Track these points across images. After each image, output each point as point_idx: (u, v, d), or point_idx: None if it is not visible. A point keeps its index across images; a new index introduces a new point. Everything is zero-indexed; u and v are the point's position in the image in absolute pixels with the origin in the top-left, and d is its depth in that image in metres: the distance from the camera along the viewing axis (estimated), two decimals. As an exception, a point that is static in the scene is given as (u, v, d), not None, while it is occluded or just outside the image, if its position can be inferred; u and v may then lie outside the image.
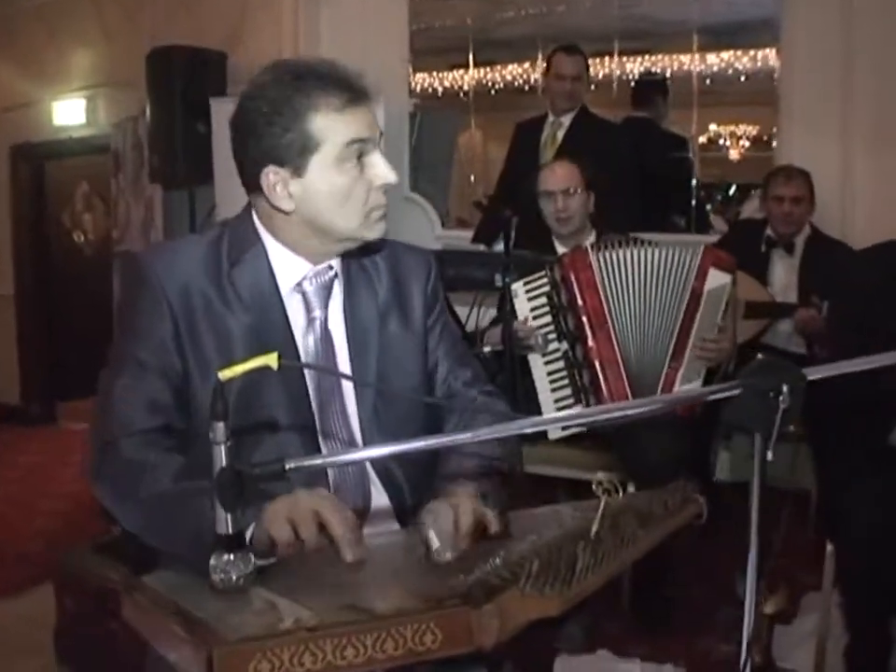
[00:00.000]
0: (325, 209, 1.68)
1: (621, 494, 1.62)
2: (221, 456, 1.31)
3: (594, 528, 1.55)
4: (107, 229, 7.09)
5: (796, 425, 4.11)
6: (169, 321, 1.68)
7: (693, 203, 5.15)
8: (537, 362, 3.41)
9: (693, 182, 5.16)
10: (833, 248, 4.20)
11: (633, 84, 5.45)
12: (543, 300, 3.41)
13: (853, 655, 2.72)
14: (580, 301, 3.32)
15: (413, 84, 5.87)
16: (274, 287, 1.74)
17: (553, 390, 3.41)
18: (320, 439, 1.73)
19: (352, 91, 1.66)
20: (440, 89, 6.03)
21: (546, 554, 1.41)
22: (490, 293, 3.39)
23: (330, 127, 1.64)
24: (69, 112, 7.16)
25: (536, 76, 5.55)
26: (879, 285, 2.77)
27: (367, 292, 1.83)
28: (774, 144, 5.01)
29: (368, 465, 1.76)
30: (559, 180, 3.63)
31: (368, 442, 1.76)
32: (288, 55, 5.72)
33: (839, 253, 4.13)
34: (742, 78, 5.47)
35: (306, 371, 1.74)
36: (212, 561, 1.34)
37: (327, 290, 1.78)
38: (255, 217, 1.77)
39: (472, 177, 6.15)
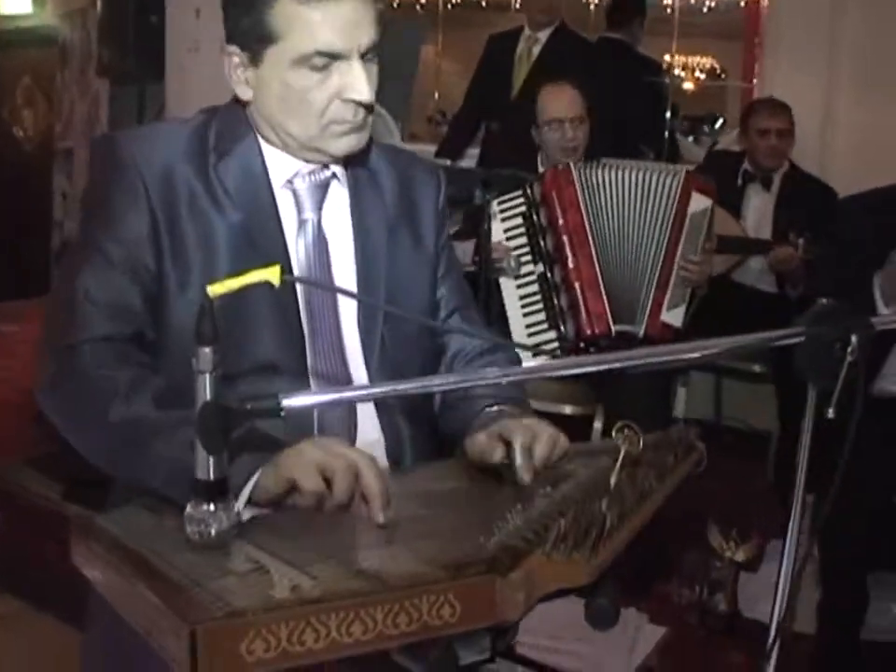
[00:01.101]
0: (277, 109, 1.48)
1: (641, 444, 1.44)
2: (206, 388, 1.10)
3: (612, 479, 1.39)
4: (49, 125, 6.71)
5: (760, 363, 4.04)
6: (146, 213, 1.46)
7: (666, 132, 4.96)
8: (508, 286, 3.26)
9: (668, 110, 4.96)
10: (811, 186, 4.07)
11: (609, 3, 5.24)
12: (518, 220, 3.25)
13: (827, 611, 2.63)
14: (560, 220, 3.18)
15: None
16: (266, 182, 1.53)
17: (526, 315, 3.26)
18: (309, 367, 1.53)
19: None
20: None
21: (570, 512, 1.24)
22: (459, 210, 3.18)
23: (293, 21, 1.41)
24: (15, 1, 6.78)
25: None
26: (872, 236, 2.64)
27: (374, 199, 1.62)
28: (724, 77, 4.86)
29: None
30: (569, 107, 3.44)
31: (371, 375, 1.56)
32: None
33: (818, 191, 3.99)
34: (705, 10, 5.34)
35: (296, 265, 1.53)
36: (188, 510, 1.14)
37: (321, 191, 1.57)
38: (247, 107, 1.55)
39: (437, 94, 5.91)
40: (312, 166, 1.55)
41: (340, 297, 1.56)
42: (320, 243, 1.55)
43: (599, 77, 4.47)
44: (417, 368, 1.60)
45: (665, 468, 1.57)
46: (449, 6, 5.64)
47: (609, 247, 3.18)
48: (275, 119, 1.49)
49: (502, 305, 3.22)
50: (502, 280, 3.24)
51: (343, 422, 1.54)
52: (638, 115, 4.91)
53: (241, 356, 1.47)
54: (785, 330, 1.23)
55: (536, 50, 4.55)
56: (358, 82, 1.44)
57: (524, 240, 3.24)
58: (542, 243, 3.21)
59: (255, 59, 1.45)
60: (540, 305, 3.23)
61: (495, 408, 1.54)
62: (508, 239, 3.25)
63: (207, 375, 1.10)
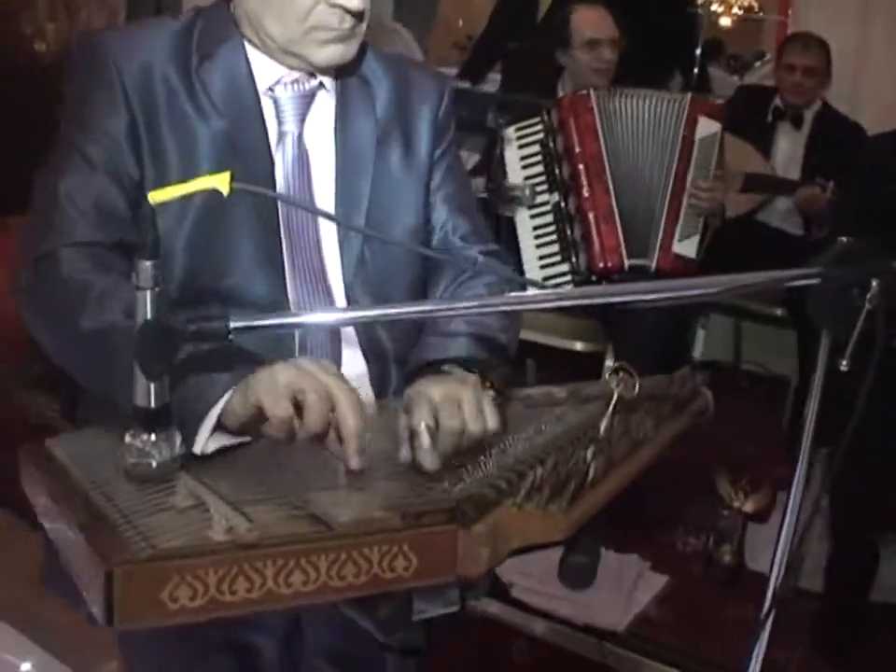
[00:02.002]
0: (260, 8, 1.38)
1: (637, 387, 1.33)
2: (146, 306, 0.99)
3: (602, 425, 1.28)
4: (68, 38, 6.55)
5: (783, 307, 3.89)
6: (125, 114, 1.35)
7: (698, 62, 4.76)
8: (522, 215, 3.12)
9: (699, 40, 4.76)
10: (844, 127, 3.88)
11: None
12: (536, 147, 3.10)
13: (835, 569, 2.52)
14: (577, 148, 3.04)
15: None
16: (252, 88, 1.42)
17: (539, 246, 3.13)
18: (288, 286, 1.41)
19: None
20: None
21: (550, 459, 1.13)
22: (476, 135, 3.05)
23: None
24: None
25: None
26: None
27: (363, 109, 1.49)
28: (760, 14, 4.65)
29: None
30: (608, 28, 3.24)
31: (350, 296, 1.44)
32: None
33: (850, 133, 3.80)
34: None
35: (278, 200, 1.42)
36: (127, 439, 1.03)
37: (306, 101, 1.45)
38: (231, 5, 1.44)
39: (461, 21, 5.72)
40: (296, 74, 1.43)
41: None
42: (300, 157, 1.44)
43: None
44: (404, 291, 1.48)
45: (664, 415, 1.46)
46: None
47: (625, 177, 3.04)
48: (256, 18, 1.38)
49: (513, 235, 3.08)
50: (517, 210, 3.11)
51: (325, 351, 1.43)
52: (671, 43, 4.71)
53: (217, 272, 1.37)
54: (799, 270, 1.10)
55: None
56: None
57: (540, 168, 3.10)
58: (559, 170, 3.07)
59: None
60: (554, 237, 3.10)
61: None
62: (524, 167, 3.11)
63: (148, 292, 0.99)
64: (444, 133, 1.57)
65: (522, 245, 3.12)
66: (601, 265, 3.02)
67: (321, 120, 1.46)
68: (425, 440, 1.12)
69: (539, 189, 3.09)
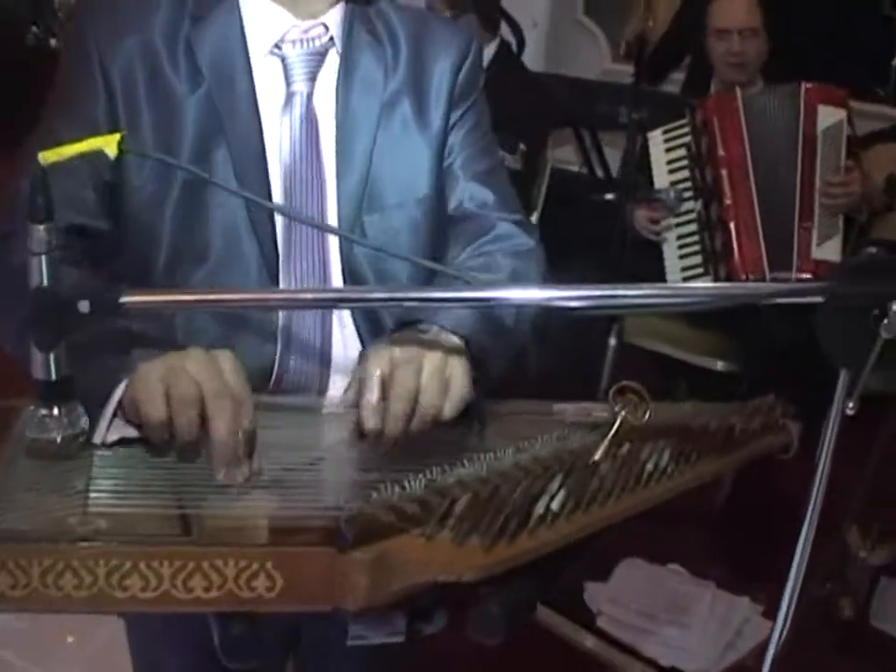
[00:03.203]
0: None
1: (647, 413, 1.16)
2: (40, 272, 0.92)
3: (597, 455, 1.12)
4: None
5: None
6: (103, 96, 1.30)
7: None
8: (667, 223, 2.94)
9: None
10: None
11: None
12: (682, 151, 2.93)
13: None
14: (721, 151, 2.85)
15: None
16: (242, 48, 1.32)
17: (682, 256, 2.96)
18: (281, 259, 1.32)
19: None
20: None
21: (491, 485, 0.98)
22: (611, 131, 2.88)
23: None
24: None
25: None
26: None
27: (373, 68, 1.38)
28: None
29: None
30: (738, 16, 3.02)
31: (346, 269, 1.34)
32: None
33: None
34: None
35: (273, 165, 1.32)
36: (28, 412, 0.96)
37: (317, 59, 1.35)
38: None
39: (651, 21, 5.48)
40: (307, 24, 1.33)
41: (327, 178, 1.34)
42: (308, 119, 1.33)
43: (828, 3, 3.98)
44: (408, 266, 1.36)
45: (704, 446, 1.27)
46: None
47: (764, 182, 2.83)
48: None
49: (648, 245, 2.90)
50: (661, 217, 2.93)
51: (312, 333, 1.33)
52: (868, 50, 4.36)
53: (203, 236, 1.29)
54: (803, 285, 0.92)
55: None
56: None
57: (686, 173, 2.93)
58: (701, 176, 2.88)
59: None
60: (698, 247, 2.91)
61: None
62: (671, 172, 2.94)
63: (43, 257, 0.92)
64: (467, 95, 1.43)
65: (666, 254, 2.96)
66: (743, 277, 2.81)
67: (330, 83, 1.36)
68: (372, 394, 1.03)
69: (685, 195, 2.90)
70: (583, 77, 4.03)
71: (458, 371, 1.11)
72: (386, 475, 0.97)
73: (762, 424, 1.41)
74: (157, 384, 0.98)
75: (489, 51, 3.35)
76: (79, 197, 1.28)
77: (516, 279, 1.33)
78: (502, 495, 0.97)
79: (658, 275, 2.91)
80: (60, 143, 1.23)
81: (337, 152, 1.34)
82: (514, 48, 3.74)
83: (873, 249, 0.94)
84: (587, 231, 2.94)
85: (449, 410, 1.07)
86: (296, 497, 0.93)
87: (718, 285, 0.90)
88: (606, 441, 1.13)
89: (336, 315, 1.34)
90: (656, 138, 2.92)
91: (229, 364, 1.01)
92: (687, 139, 2.89)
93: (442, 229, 1.41)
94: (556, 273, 3.44)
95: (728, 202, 2.82)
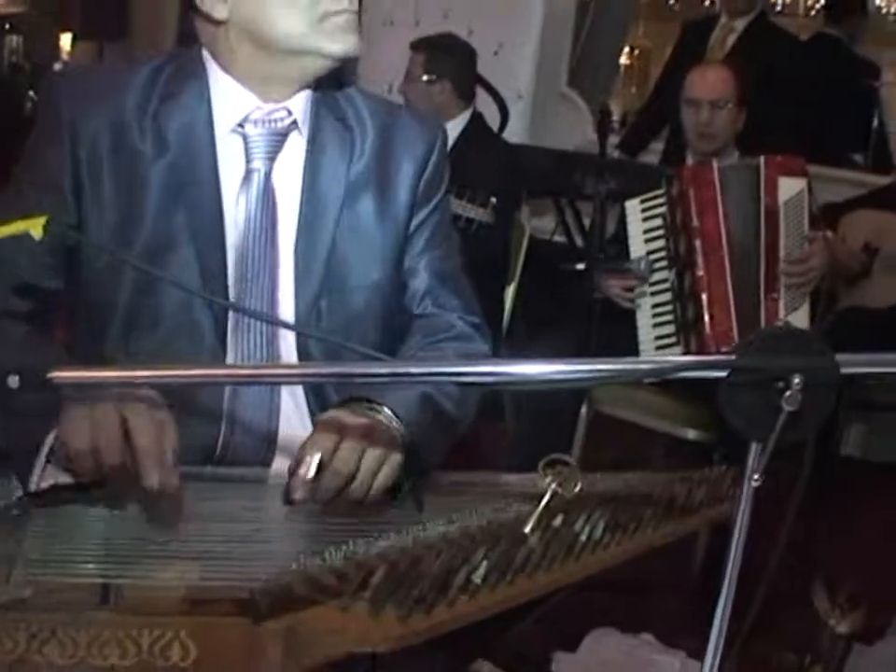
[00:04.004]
0: (260, 8, 1.32)
1: (578, 485, 1.18)
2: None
3: (527, 526, 1.14)
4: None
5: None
6: (68, 164, 1.35)
7: (874, 138, 4.48)
8: (642, 291, 2.95)
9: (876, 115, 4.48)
10: None
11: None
12: (659, 221, 2.94)
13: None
14: (695, 223, 2.85)
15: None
16: (208, 124, 1.38)
17: (656, 325, 2.95)
18: (229, 334, 1.37)
19: None
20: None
21: (411, 556, 1.00)
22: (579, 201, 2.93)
23: None
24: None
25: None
26: None
27: (339, 152, 1.43)
28: None
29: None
30: (709, 88, 3.07)
31: (302, 349, 1.39)
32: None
33: None
34: None
35: (230, 238, 1.37)
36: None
37: (277, 139, 1.40)
38: (203, 46, 1.41)
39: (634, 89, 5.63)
40: (269, 106, 1.39)
41: (281, 259, 1.39)
42: (266, 197, 1.39)
43: (799, 72, 4.07)
44: (367, 336, 1.41)
45: (635, 519, 1.29)
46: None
47: (738, 254, 2.83)
48: (260, 25, 1.33)
49: (613, 308, 2.92)
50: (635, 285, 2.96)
51: (259, 407, 1.36)
52: (846, 119, 4.45)
53: (158, 303, 1.35)
54: (707, 358, 0.94)
55: (731, 40, 4.18)
56: None
57: (662, 242, 2.93)
58: (675, 246, 2.89)
59: None
60: (671, 317, 2.92)
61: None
62: (646, 241, 2.95)
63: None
64: (432, 194, 1.48)
65: (639, 323, 2.96)
66: (713, 349, 2.81)
67: (292, 161, 1.41)
68: (306, 470, 1.10)
69: (658, 265, 2.92)
70: (561, 149, 4.11)
71: (395, 461, 1.17)
72: (310, 547, 1.00)
73: (709, 493, 1.43)
74: (82, 417, 1.05)
75: (462, 121, 3.42)
76: (38, 261, 1.34)
77: None
78: (422, 566, 1.00)
79: (633, 343, 2.93)
80: (19, 202, 1.33)
81: (299, 233, 1.39)
82: (493, 118, 3.82)
83: (780, 322, 0.95)
84: (563, 300, 2.97)
85: (375, 495, 1.11)
86: (219, 567, 0.96)
87: (623, 360, 0.91)
88: (536, 513, 1.15)
89: (287, 390, 1.38)
90: (633, 207, 2.94)
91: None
92: (663, 209, 2.91)
93: (397, 318, 1.46)
94: (535, 341, 3.48)
95: (700, 273, 2.83)
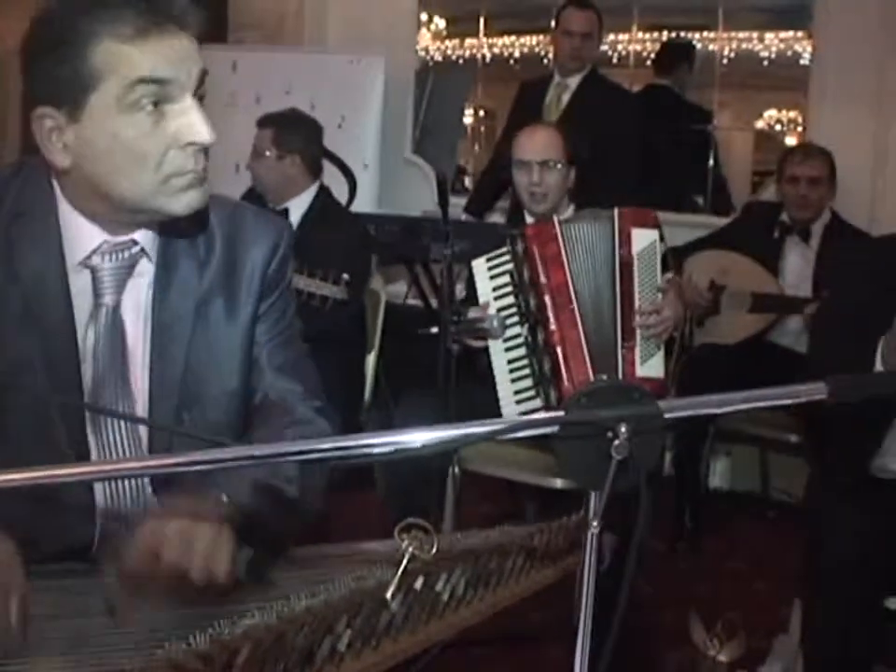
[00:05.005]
0: (104, 169, 1.30)
1: (434, 547, 1.20)
2: None
3: (388, 591, 1.16)
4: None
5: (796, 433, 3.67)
6: None
7: (711, 181, 4.69)
8: (497, 348, 3.00)
9: (712, 159, 4.70)
10: (855, 238, 3.72)
11: (658, 49, 5.05)
12: (506, 278, 2.99)
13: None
14: (542, 279, 2.90)
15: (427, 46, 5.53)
16: (59, 258, 1.37)
17: (514, 380, 2.99)
18: (91, 438, 1.37)
19: (155, 15, 1.26)
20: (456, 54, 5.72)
21: (275, 632, 1.01)
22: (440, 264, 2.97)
23: (115, 59, 1.26)
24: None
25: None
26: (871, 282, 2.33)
27: (187, 270, 1.44)
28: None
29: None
30: (537, 149, 3.17)
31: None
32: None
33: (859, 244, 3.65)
34: (765, 63, 5.17)
35: (85, 369, 1.38)
36: None
37: (125, 271, 1.40)
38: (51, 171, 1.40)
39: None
40: (115, 240, 1.38)
41: (138, 385, 1.41)
42: (113, 330, 1.39)
43: (633, 124, 4.24)
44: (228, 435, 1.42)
45: (496, 573, 1.33)
46: (508, 61, 5.49)
47: (587, 306, 2.90)
48: (102, 183, 1.31)
49: (470, 370, 2.97)
50: (490, 343, 3.00)
51: (134, 499, 1.38)
52: (685, 163, 4.65)
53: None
54: (540, 417, 0.99)
55: (565, 98, 4.28)
56: (196, 122, 1.30)
57: (511, 299, 2.99)
58: (525, 303, 2.95)
59: (74, 113, 1.29)
60: (528, 371, 2.97)
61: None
62: (496, 298, 3.01)
63: None
64: (275, 286, 1.51)
65: (497, 378, 2.99)
66: None
67: (141, 289, 1.42)
68: (135, 564, 1.12)
69: (511, 321, 2.98)
70: (407, 215, 4.17)
71: (227, 542, 1.17)
72: (175, 632, 1.00)
73: (568, 542, 1.48)
74: None
75: (310, 195, 3.46)
76: None
77: None
78: (286, 641, 1.00)
79: (494, 400, 2.98)
80: None
81: (153, 355, 1.40)
82: (340, 189, 3.88)
83: (604, 377, 1.01)
84: (422, 364, 3.01)
85: (221, 577, 1.12)
86: (84, 661, 0.95)
87: (457, 425, 0.94)
88: (395, 579, 1.17)
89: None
90: (480, 266, 2.99)
91: None
92: (510, 266, 2.96)
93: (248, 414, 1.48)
94: (400, 406, 3.47)
95: (553, 327, 2.88)
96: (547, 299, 2.89)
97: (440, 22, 5.91)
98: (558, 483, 3.03)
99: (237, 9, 5.42)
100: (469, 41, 5.84)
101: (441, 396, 2.79)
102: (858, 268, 2.49)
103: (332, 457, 0.95)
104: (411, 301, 3.91)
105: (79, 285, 1.38)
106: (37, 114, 1.30)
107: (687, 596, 3.19)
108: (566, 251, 2.89)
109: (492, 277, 3.01)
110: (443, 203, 2.60)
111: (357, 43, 5.11)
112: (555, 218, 2.96)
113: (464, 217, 4.53)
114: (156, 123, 1.28)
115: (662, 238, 2.93)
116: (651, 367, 2.85)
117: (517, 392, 2.98)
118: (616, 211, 2.90)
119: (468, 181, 5.81)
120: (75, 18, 1.26)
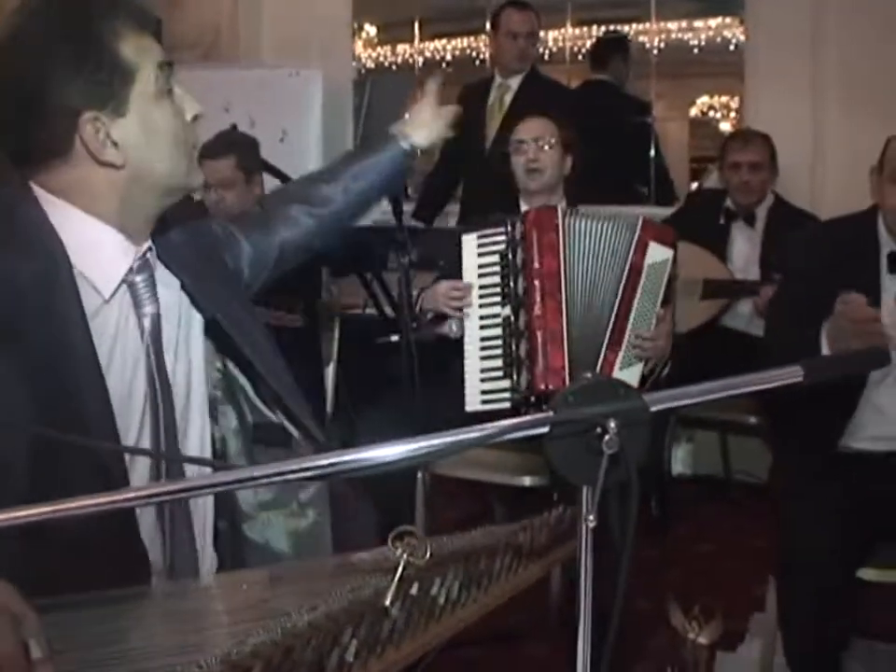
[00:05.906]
0: (155, 156, 1.40)
1: (428, 553, 1.21)
2: None
3: (387, 599, 1.16)
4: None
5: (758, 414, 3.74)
6: None
7: (654, 171, 4.76)
8: (472, 324, 3.01)
9: (653, 149, 4.76)
10: (799, 219, 3.80)
11: (592, 44, 5.10)
12: (495, 258, 2.99)
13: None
14: (535, 263, 2.89)
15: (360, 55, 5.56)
16: (78, 309, 1.34)
17: (483, 358, 2.98)
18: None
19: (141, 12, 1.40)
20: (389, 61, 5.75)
21: (283, 648, 1.02)
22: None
23: (140, 49, 1.37)
24: None
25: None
26: (823, 265, 2.38)
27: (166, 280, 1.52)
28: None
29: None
30: (532, 129, 3.28)
31: None
32: (227, 14, 5.37)
33: (805, 224, 3.72)
34: (695, 51, 5.24)
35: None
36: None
37: (152, 275, 1.46)
38: (41, 197, 1.38)
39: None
40: (143, 248, 1.43)
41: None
42: (156, 338, 1.44)
43: (577, 119, 4.27)
44: None
45: (486, 573, 1.34)
46: (443, 64, 5.51)
47: (578, 299, 2.89)
48: (154, 172, 1.39)
49: (437, 371, 2.98)
50: (465, 320, 3.01)
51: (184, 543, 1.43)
52: (627, 155, 4.71)
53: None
54: (530, 418, 1.00)
55: (508, 98, 4.33)
56: (188, 97, 1.43)
57: (496, 279, 2.98)
58: (514, 284, 2.94)
59: (120, 107, 1.35)
60: (500, 351, 2.95)
61: None
62: (480, 276, 3.01)
63: None
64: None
65: (467, 356, 2.98)
66: (542, 386, 2.84)
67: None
68: None
69: (491, 301, 2.98)
70: (358, 224, 4.15)
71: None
72: (185, 657, 1.00)
73: (550, 537, 1.49)
74: None
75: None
76: None
77: None
78: (294, 655, 1.01)
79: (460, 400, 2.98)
80: None
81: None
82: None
83: (588, 375, 1.03)
84: (384, 372, 3.02)
85: None
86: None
87: (445, 434, 0.95)
88: (392, 587, 1.18)
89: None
90: (470, 242, 2.99)
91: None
92: (501, 247, 2.96)
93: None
94: (362, 417, 3.49)
95: (537, 311, 2.86)
96: (536, 283, 2.87)
97: (370, 30, 5.92)
98: (526, 480, 3.06)
99: (169, 31, 5.39)
100: (400, 47, 5.87)
101: (407, 402, 2.81)
102: (807, 252, 2.54)
103: (329, 474, 0.95)
104: (369, 311, 3.91)
105: (115, 310, 1.40)
106: (84, 119, 1.34)
107: (660, 583, 3.23)
108: (564, 241, 2.88)
109: (480, 255, 3.01)
110: (398, 211, 2.59)
111: (293, 55, 5.11)
112: (559, 207, 2.97)
113: (413, 222, 4.53)
114: (173, 104, 1.40)
115: (675, 261, 2.93)
116: (628, 375, 2.83)
117: (485, 370, 2.97)
118: (641, 218, 2.92)
119: (409, 189, 5.81)
120: (92, 19, 1.35)
